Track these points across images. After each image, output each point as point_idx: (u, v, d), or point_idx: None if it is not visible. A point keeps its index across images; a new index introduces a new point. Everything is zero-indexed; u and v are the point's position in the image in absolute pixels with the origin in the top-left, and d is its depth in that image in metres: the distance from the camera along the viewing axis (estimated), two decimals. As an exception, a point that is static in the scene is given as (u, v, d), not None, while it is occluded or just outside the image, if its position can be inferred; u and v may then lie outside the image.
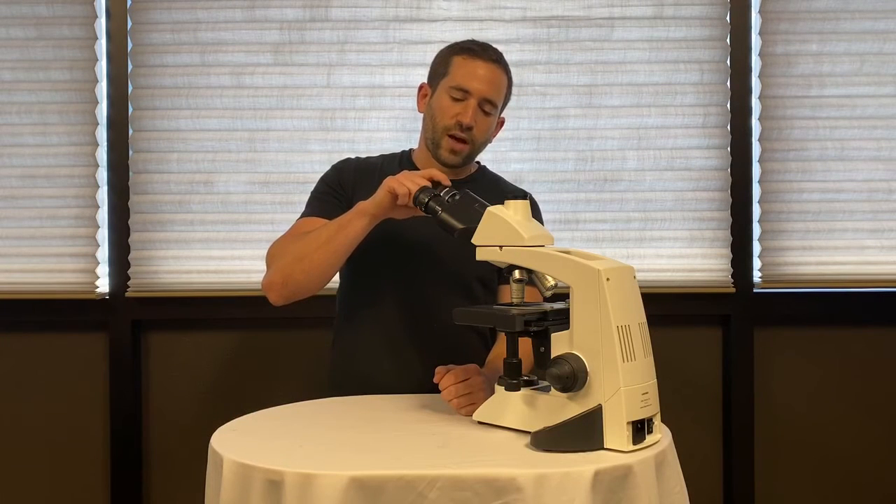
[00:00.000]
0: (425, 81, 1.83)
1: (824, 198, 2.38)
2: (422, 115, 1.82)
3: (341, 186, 1.80)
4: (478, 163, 1.91)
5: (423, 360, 1.69)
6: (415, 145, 1.89)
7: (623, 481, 1.20)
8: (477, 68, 1.73)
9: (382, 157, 1.91)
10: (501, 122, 1.87)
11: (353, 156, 1.92)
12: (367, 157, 1.91)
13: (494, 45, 1.81)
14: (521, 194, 1.89)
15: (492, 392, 1.49)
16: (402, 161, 1.87)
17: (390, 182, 1.54)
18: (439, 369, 1.54)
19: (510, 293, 1.44)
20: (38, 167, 2.35)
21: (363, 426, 1.46)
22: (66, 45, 2.36)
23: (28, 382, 2.39)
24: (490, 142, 1.84)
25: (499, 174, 1.96)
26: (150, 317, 2.38)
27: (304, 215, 1.79)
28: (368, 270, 1.76)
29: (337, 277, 1.79)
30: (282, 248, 1.69)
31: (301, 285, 1.64)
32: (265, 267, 1.71)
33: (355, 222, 1.58)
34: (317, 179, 1.86)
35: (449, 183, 1.55)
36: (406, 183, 1.53)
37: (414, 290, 1.76)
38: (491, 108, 1.75)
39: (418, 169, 1.81)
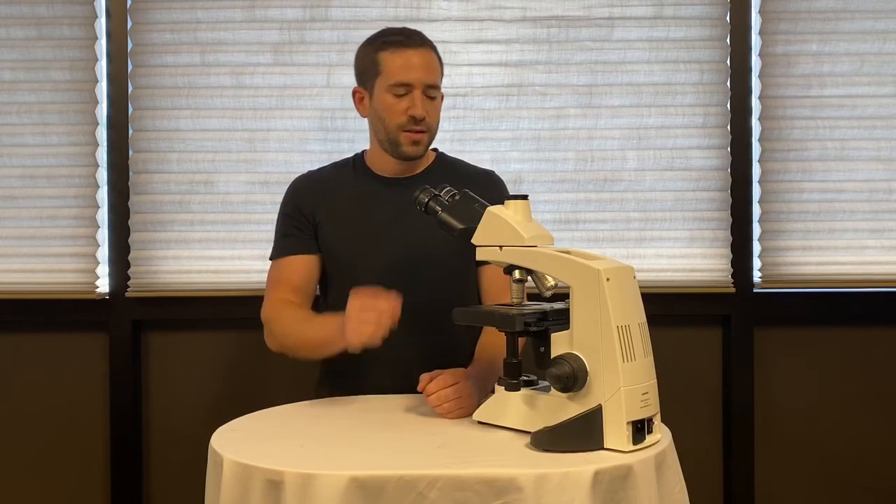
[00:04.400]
0: (357, 85, 1.81)
1: (824, 198, 2.38)
2: (365, 118, 1.81)
3: (301, 214, 1.81)
4: (434, 150, 1.90)
5: (417, 362, 1.68)
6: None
7: (623, 481, 1.20)
8: (409, 58, 1.71)
9: (333, 164, 1.91)
10: (442, 98, 1.86)
11: (305, 170, 1.93)
12: (319, 169, 1.91)
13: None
14: (484, 175, 1.89)
15: (481, 394, 1.49)
16: (356, 165, 1.86)
17: (353, 340, 1.47)
18: (423, 377, 1.52)
19: (510, 290, 1.44)
20: (38, 167, 2.35)
21: (363, 426, 1.46)
22: (66, 45, 2.35)
23: (28, 382, 2.39)
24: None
25: (457, 157, 1.95)
26: (150, 317, 2.38)
27: (274, 256, 1.83)
28: (354, 278, 1.76)
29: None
30: (273, 318, 1.74)
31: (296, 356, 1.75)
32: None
33: (334, 347, 1.54)
34: None
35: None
36: (365, 329, 1.47)
37: (402, 292, 1.76)
38: (434, 91, 1.74)
39: (371, 170, 1.83)
